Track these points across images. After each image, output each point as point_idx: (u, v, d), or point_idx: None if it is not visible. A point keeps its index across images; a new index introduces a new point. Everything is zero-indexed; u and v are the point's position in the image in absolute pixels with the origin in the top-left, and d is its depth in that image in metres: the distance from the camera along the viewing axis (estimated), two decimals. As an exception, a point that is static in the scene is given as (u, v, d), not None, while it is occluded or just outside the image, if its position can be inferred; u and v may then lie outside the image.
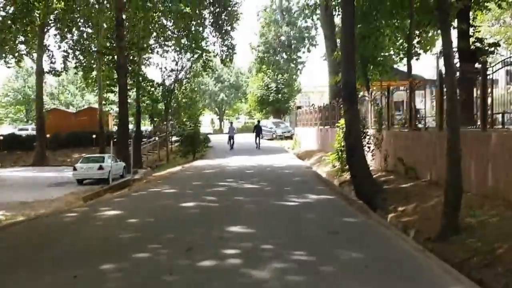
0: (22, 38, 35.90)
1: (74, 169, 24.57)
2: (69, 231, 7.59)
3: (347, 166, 17.00)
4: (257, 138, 31.59)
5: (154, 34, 33.11)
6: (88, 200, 14.84)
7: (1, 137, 36.02)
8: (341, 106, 24.17)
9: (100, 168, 24.03)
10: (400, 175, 13.54)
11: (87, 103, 58.26)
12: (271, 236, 6.98)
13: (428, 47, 23.49)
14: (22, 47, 36.89)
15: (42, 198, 19.73)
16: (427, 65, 20.38)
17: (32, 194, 20.64)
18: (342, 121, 17.90)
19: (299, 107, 44.31)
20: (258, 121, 37.22)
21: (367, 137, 15.57)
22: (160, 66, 33.87)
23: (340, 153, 17.38)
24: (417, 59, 21.19)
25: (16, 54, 36.20)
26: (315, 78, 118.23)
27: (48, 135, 35.49)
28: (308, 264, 5.62)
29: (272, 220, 8.22)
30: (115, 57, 29.26)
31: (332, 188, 12.90)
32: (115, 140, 28.93)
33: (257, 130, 32.09)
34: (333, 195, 11.34)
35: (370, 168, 14.45)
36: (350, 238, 7.01)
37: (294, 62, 47.22)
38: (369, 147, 14.99)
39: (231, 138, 30.87)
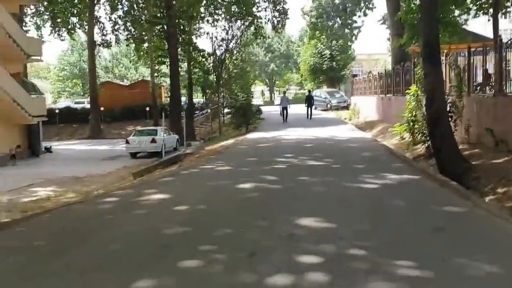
0: (74, 11, 35.49)
1: (127, 142, 23.75)
2: (103, 225, 6.09)
3: (420, 138, 14.98)
4: (309, 109, 30.00)
5: (204, 2, 31.43)
6: (138, 177, 13.71)
7: (57, 111, 35.97)
8: (406, 71, 21.84)
9: (153, 141, 23.04)
10: (487, 148, 11.33)
11: (141, 76, 57.90)
12: (357, 234, 5.23)
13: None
14: (74, 19, 36.60)
15: (94, 172, 18.99)
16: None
17: (85, 168, 19.96)
18: (413, 87, 15.73)
19: (354, 75, 41.59)
20: (309, 91, 35.41)
21: (448, 104, 13.32)
22: (210, 36, 32.22)
23: (411, 123, 15.34)
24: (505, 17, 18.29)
25: (69, 27, 35.89)
26: (368, 45, 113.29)
27: (102, 108, 35.06)
28: (427, 285, 3.85)
29: (352, 209, 6.46)
30: (165, 27, 28.02)
31: (411, 165, 10.87)
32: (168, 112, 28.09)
33: (309, 100, 30.54)
34: (416, 174, 9.36)
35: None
36: (466, 238, 5.12)
37: (349, 27, 44.09)
38: (450, 116, 12.75)
39: (284, 109, 28.38)
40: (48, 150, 27.00)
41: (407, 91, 15.92)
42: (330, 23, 43.56)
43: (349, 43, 45.12)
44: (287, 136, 18.41)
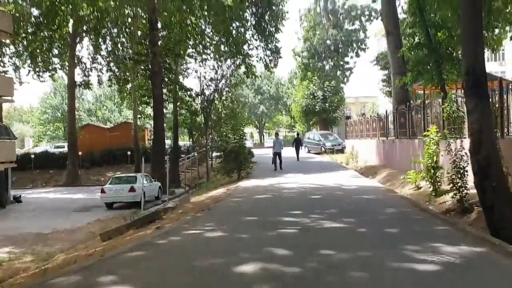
0: (54, 50, 33.46)
1: (102, 191, 21.10)
2: None
3: (443, 187, 12.68)
4: (297, 151, 29.14)
5: (192, 41, 29.60)
6: (106, 238, 10.99)
7: (33, 156, 33.06)
8: (407, 112, 19.74)
9: (132, 189, 20.40)
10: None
11: (125, 119, 55.45)
12: None
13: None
14: (55, 60, 34.49)
15: (62, 227, 16.47)
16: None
17: (53, 222, 17.32)
18: (432, 128, 13.56)
19: (348, 117, 39.72)
20: (297, 134, 35.33)
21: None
22: (198, 75, 30.15)
23: (432, 170, 13.04)
24: None
25: (50, 68, 33.70)
26: (355, 88, 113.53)
27: (80, 153, 32.37)
28: None
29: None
30: (150, 65, 25.93)
31: (458, 227, 8.35)
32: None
33: (297, 143, 29.73)
34: (475, 243, 6.83)
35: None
36: None
37: (341, 68, 42.53)
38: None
39: (277, 155, 23.53)
40: (17, 199, 24.08)
41: (426, 133, 13.69)
42: (322, 64, 41.99)
43: (341, 85, 43.46)
44: (287, 185, 15.79)
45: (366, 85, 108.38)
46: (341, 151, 33.36)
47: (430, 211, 10.06)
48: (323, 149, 35.24)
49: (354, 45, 41.09)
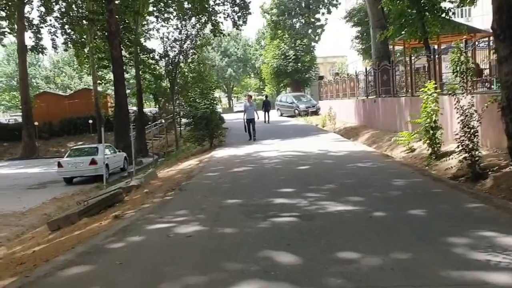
0: (2, 13, 29.88)
1: (59, 165, 18.75)
2: None
3: (443, 149, 11.21)
4: (266, 113, 28.18)
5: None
6: (55, 228, 8.87)
7: (-17, 127, 29.92)
8: (391, 69, 17.99)
9: (93, 162, 18.19)
10: None
11: (86, 85, 51.81)
12: None
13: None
14: (3, 23, 30.92)
15: (11, 209, 14.16)
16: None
17: (2, 203, 15.06)
18: (430, 84, 11.94)
19: (321, 77, 37.75)
20: (266, 97, 33.67)
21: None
22: (161, 35, 27.43)
23: (431, 131, 11.47)
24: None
25: (-1, 31, 30.17)
26: (322, 48, 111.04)
27: (36, 123, 29.47)
28: None
29: None
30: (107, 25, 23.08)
31: (497, 205, 6.57)
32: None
33: (266, 105, 28.83)
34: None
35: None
36: None
37: (312, 25, 40.10)
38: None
39: (250, 122, 19.41)
40: (-36, 177, 21.39)
41: (423, 89, 11.95)
42: (292, 22, 39.44)
43: (312, 43, 41.15)
44: (267, 153, 13.76)
45: (334, 45, 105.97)
46: (316, 113, 31.73)
47: (448, 182, 8.32)
48: (296, 111, 33.41)
49: (326, 0, 38.66)
